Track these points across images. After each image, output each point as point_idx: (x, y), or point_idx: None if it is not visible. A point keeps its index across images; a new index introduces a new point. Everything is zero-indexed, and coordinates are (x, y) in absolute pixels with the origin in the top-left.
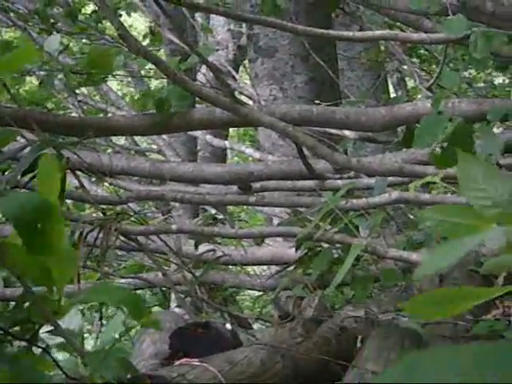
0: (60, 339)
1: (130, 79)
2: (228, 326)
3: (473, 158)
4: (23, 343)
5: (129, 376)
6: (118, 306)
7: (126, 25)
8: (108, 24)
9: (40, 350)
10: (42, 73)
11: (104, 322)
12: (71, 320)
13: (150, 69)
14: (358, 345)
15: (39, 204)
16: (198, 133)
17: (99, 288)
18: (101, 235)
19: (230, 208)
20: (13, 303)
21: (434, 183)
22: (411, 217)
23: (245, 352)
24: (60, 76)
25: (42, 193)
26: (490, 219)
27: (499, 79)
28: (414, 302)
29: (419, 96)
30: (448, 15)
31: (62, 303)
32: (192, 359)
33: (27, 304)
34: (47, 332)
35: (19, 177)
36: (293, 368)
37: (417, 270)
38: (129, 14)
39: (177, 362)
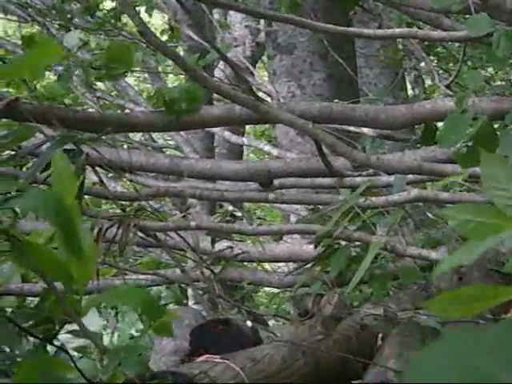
0: (79, 341)
1: (146, 75)
2: (248, 323)
3: (496, 158)
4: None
5: (151, 373)
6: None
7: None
8: (126, 20)
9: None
10: (60, 68)
11: (119, 317)
12: (91, 320)
13: (167, 65)
14: (379, 343)
15: (59, 202)
16: (215, 129)
17: (118, 290)
18: (119, 231)
19: (246, 205)
20: (30, 298)
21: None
22: (429, 215)
23: (266, 349)
24: (78, 72)
25: (57, 192)
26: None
27: None
28: (435, 300)
29: (437, 94)
30: (469, 14)
31: (82, 303)
32: (214, 356)
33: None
34: (68, 332)
35: (38, 173)
36: (314, 365)
37: (437, 266)
38: (150, 14)
39: (198, 359)
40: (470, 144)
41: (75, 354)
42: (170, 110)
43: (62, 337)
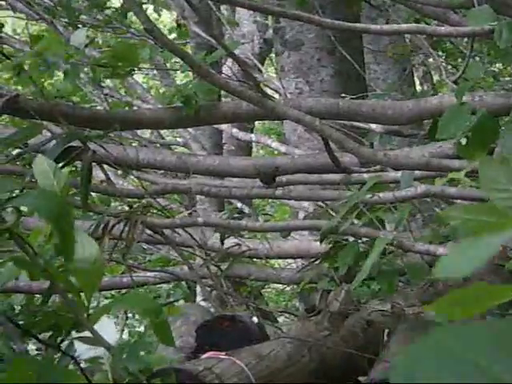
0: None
1: (155, 72)
2: (254, 319)
3: (493, 160)
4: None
5: (155, 369)
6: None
7: (152, 18)
8: (134, 18)
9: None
10: (67, 66)
11: (129, 314)
12: (104, 331)
13: (175, 62)
14: (385, 338)
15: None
16: (223, 126)
17: (126, 298)
18: (126, 228)
19: (256, 201)
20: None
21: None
22: (438, 210)
23: (272, 345)
24: (86, 69)
25: (53, 194)
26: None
27: None
28: (439, 302)
29: (445, 90)
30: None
31: (91, 311)
32: (219, 352)
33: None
34: (76, 339)
35: None
36: (319, 361)
37: (437, 267)
38: (158, 13)
39: (203, 356)
40: (469, 135)
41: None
42: (188, 107)
43: (78, 347)
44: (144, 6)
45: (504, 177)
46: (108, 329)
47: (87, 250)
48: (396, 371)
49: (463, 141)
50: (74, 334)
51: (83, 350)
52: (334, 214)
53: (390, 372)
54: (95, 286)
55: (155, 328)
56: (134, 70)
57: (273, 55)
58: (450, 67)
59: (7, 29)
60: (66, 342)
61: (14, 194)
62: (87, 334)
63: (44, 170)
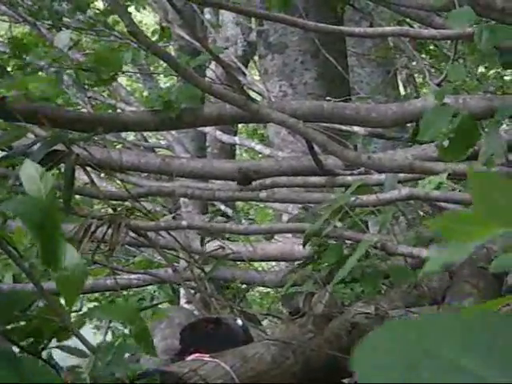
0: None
1: (139, 75)
2: (239, 321)
3: (483, 173)
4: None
5: (140, 371)
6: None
7: (135, 21)
8: (118, 19)
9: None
10: (52, 69)
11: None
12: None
13: (158, 65)
14: None
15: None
16: (207, 129)
17: (107, 307)
18: (109, 231)
19: (240, 205)
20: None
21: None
22: (421, 213)
23: (256, 348)
24: (69, 71)
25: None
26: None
27: (510, 76)
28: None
29: (429, 92)
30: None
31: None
32: (203, 355)
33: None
34: (57, 347)
35: None
36: (304, 363)
37: (424, 266)
38: (138, 10)
39: (188, 358)
40: (451, 137)
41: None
42: (171, 110)
43: (58, 355)
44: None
45: (494, 187)
46: (87, 335)
47: (68, 257)
48: (356, 360)
49: (446, 143)
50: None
51: (62, 359)
52: (318, 216)
53: (352, 361)
54: (76, 294)
55: (136, 337)
56: (117, 75)
57: (256, 58)
58: (433, 70)
59: None
60: (47, 350)
61: None
62: (67, 342)
63: (31, 174)
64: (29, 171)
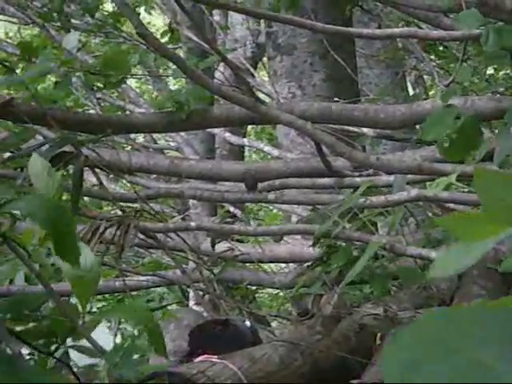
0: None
1: (148, 76)
2: (247, 323)
3: (490, 172)
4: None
5: (149, 373)
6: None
7: (144, 22)
8: (127, 22)
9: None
10: (61, 70)
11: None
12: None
13: (167, 67)
14: (378, 342)
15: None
16: (216, 130)
17: (120, 308)
18: (119, 232)
19: (249, 206)
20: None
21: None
22: (430, 214)
23: (264, 349)
24: (78, 73)
25: (49, 198)
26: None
27: None
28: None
29: (437, 93)
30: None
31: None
32: (212, 356)
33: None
34: (71, 347)
35: None
36: (312, 365)
37: (430, 270)
38: (149, 13)
39: (196, 359)
40: (453, 137)
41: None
42: (181, 111)
43: (73, 355)
44: (136, 10)
45: (500, 185)
46: (102, 334)
47: (83, 257)
48: (386, 359)
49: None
50: (69, 341)
51: (79, 358)
52: (327, 218)
53: (383, 361)
54: (90, 294)
55: (150, 337)
56: (126, 78)
57: (265, 59)
58: (442, 71)
59: (0, 33)
60: (60, 350)
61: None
62: (83, 341)
63: (39, 170)
64: (36, 167)
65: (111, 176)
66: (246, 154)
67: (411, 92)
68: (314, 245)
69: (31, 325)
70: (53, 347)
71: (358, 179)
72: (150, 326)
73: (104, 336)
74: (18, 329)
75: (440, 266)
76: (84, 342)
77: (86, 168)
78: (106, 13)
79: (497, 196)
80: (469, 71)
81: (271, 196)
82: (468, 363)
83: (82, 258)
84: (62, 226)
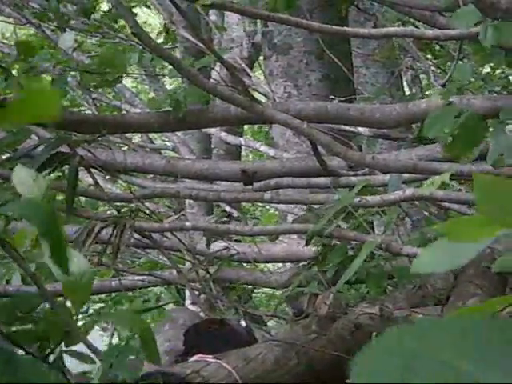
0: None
1: (144, 76)
2: (243, 322)
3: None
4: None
5: (143, 373)
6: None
7: (140, 21)
8: (123, 22)
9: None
10: (57, 68)
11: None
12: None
13: (163, 67)
14: (373, 342)
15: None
16: (212, 130)
17: (113, 314)
18: (114, 232)
19: (245, 206)
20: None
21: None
22: (426, 213)
23: (259, 349)
24: (74, 73)
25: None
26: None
27: None
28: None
29: (433, 93)
30: None
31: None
32: (206, 356)
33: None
34: (64, 352)
35: None
36: (307, 364)
37: (413, 264)
38: (147, 6)
39: (191, 359)
40: (455, 134)
41: None
42: (178, 110)
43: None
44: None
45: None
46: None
47: (75, 263)
48: (355, 371)
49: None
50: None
51: (74, 365)
52: (321, 217)
53: (350, 372)
54: (84, 300)
55: (142, 344)
56: (122, 77)
57: (261, 59)
58: (438, 71)
59: None
60: (54, 355)
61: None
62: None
63: (23, 179)
64: (20, 176)
65: (107, 176)
66: (243, 153)
67: (407, 91)
68: (306, 244)
69: (25, 327)
70: (46, 351)
71: (353, 178)
72: (142, 333)
73: (98, 340)
74: (13, 330)
75: (424, 262)
76: (77, 347)
77: (82, 168)
78: (102, 13)
79: (495, 200)
80: (468, 69)
81: (267, 196)
82: (445, 368)
83: (74, 265)
84: (53, 231)
